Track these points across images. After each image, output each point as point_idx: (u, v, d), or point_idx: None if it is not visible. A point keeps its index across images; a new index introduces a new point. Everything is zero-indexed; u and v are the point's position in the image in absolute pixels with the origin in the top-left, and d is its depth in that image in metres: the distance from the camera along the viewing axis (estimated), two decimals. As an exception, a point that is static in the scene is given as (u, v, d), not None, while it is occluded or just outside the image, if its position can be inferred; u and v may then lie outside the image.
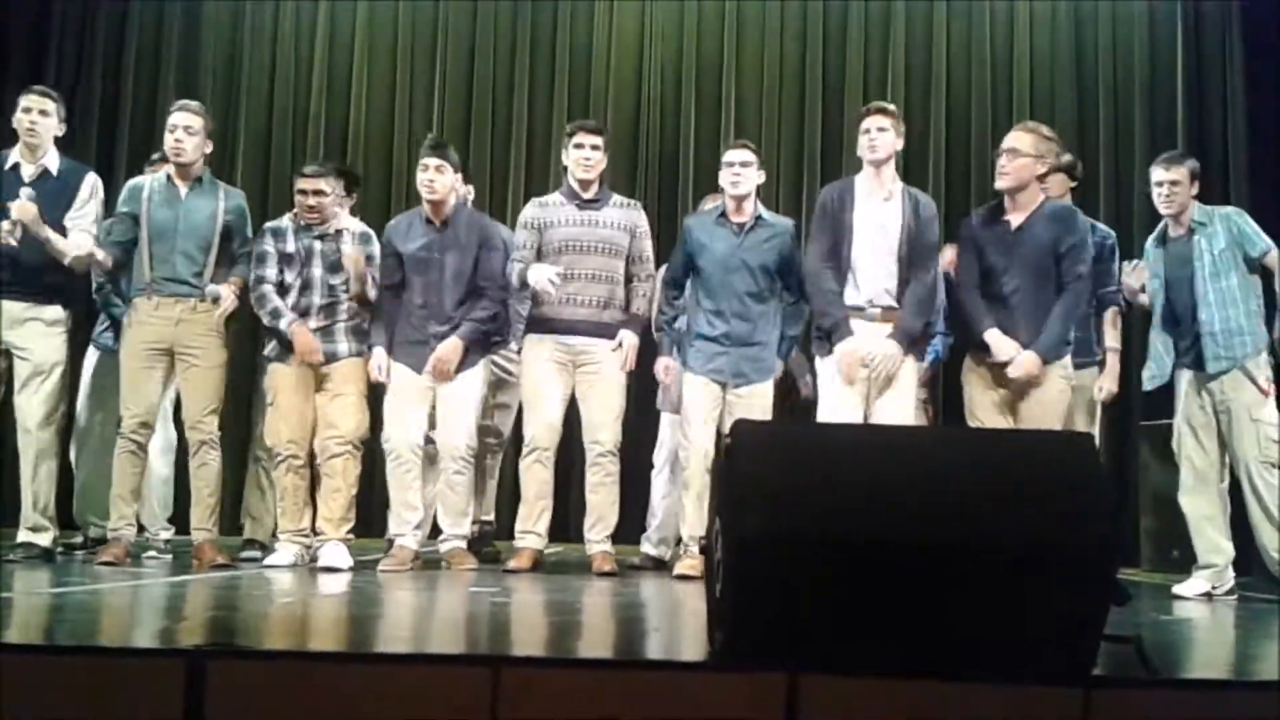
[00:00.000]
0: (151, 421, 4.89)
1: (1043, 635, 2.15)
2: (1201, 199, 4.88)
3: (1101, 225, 5.36)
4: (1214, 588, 4.65)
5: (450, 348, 4.90)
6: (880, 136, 4.66)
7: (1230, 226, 4.73)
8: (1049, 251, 4.54)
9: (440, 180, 4.96)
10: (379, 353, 4.95)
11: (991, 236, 4.62)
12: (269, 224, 5.11)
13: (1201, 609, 4.31)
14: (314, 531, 4.96)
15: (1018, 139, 4.61)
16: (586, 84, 7.89)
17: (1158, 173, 4.82)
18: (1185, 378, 4.78)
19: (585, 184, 5.06)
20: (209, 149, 5.03)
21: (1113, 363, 5.08)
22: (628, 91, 7.90)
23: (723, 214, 4.97)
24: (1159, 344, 4.86)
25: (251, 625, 2.98)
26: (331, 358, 4.94)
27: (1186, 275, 4.73)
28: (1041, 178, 4.63)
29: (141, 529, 5.16)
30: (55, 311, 4.91)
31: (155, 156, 5.58)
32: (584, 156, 5.04)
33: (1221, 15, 7.55)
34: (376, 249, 5.09)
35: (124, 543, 4.78)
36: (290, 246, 4.99)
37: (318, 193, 4.98)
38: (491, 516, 5.74)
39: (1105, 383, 5.06)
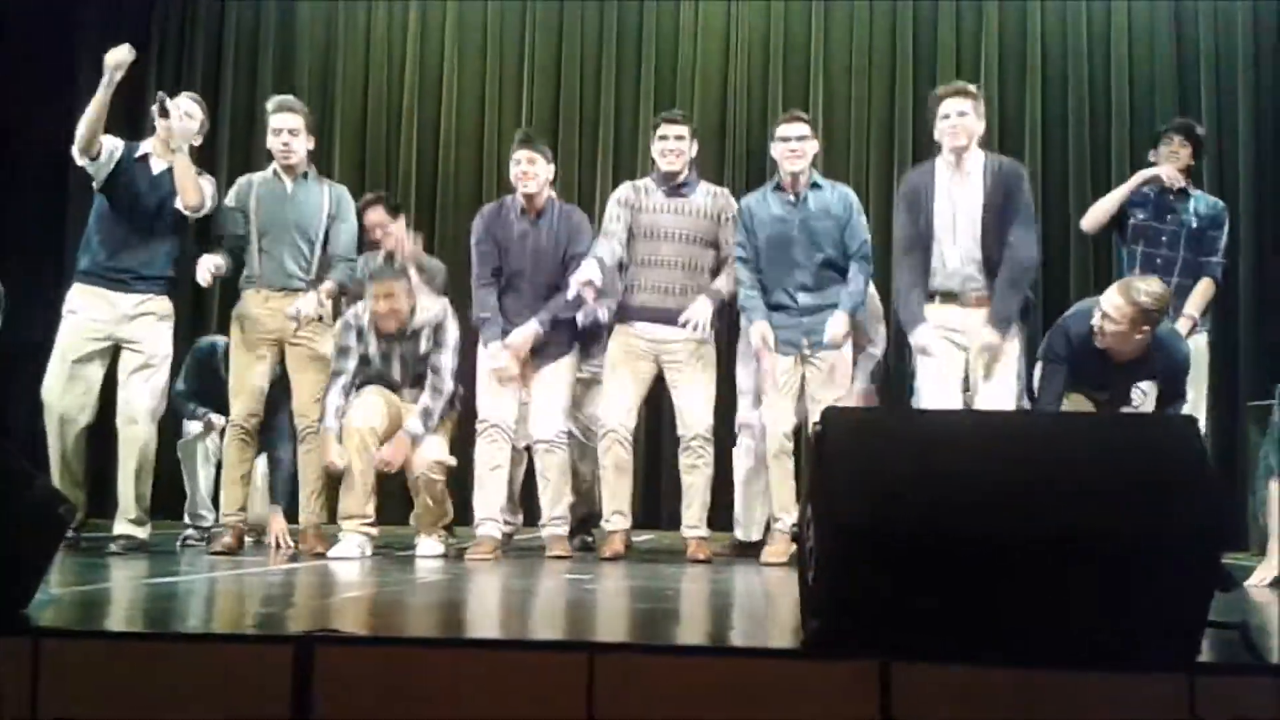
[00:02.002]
0: (260, 410, 5.00)
1: (1145, 623, 2.11)
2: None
3: (1211, 197, 5.37)
4: None
5: (523, 337, 4.90)
6: (960, 121, 4.62)
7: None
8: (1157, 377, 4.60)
9: (534, 171, 4.98)
10: (495, 347, 4.95)
11: (1091, 365, 4.56)
12: (350, 317, 5.01)
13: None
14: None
15: (1125, 317, 4.39)
16: (673, 77, 7.90)
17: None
18: None
19: (672, 175, 5.07)
20: (312, 145, 5.13)
21: (1185, 325, 4.99)
22: (714, 84, 7.89)
23: (777, 186, 4.98)
24: None
25: (353, 611, 3.05)
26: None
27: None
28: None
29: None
30: (165, 304, 5.01)
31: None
32: (667, 147, 5.05)
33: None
34: (453, 336, 4.99)
35: (237, 531, 4.89)
36: (372, 349, 4.97)
37: (388, 295, 4.85)
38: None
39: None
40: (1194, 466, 2.19)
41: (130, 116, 6.01)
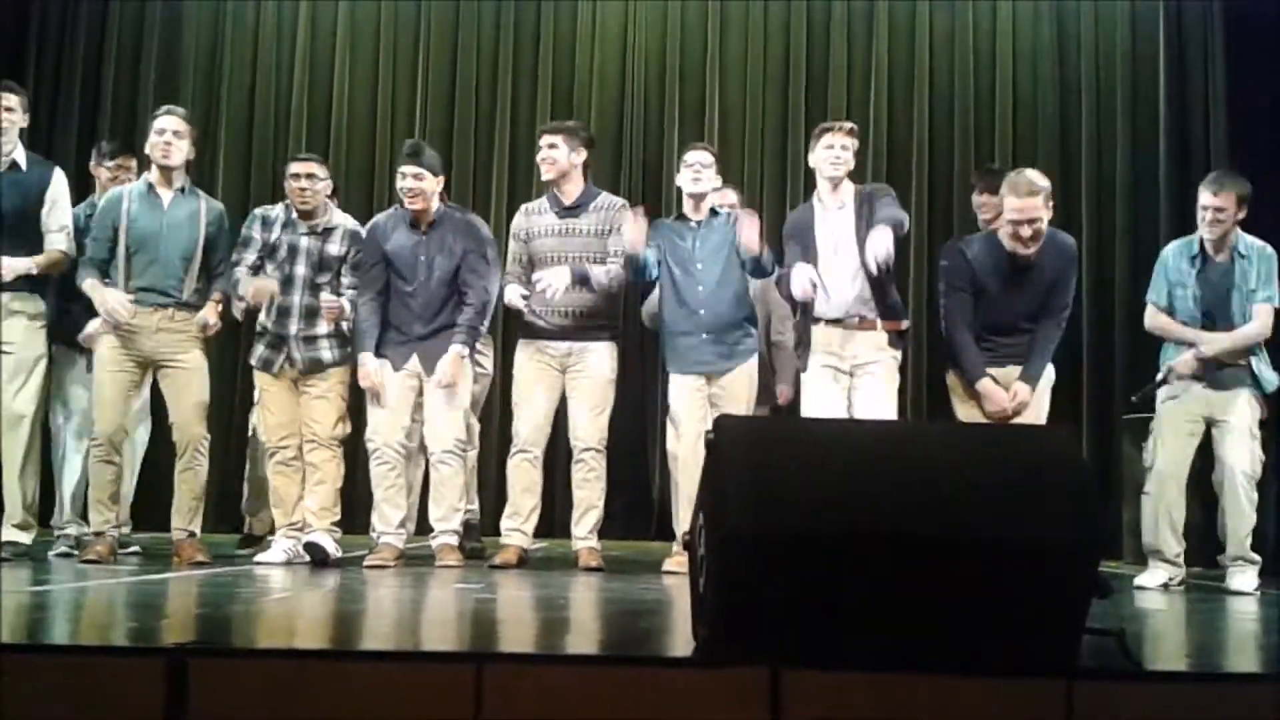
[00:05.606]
0: (124, 429, 4.87)
1: (1025, 628, 2.15)
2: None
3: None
4: (1170, 579, 4.75)
5: (453, 363, 4.88)
6: (844, 154, 4.74)
7: (1264, 263, 4.76)
8: (1053, 282, 4.67)
9: (421, 187, 4.92)
10: (368, 360, 4.92)
11: (996, 270, 4.67)
12: (260, 210, 5.10)
13: (1183, 601, 4.34)
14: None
15: (1037, 207, 4.54)
16: (570, 82, 7.88)
17: (1205, 196, 4.77)
18: (1192, 385, 4.80)
19: (552, 186, 5.08)
20: (192, 156, 4.99)
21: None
22: (611, 89, 7.89)
23: (680, 215, 5.08)
24: (1172, 349, 4.90)
25: (233, 623, 2.96)
26: (316, 365, 4.92)
27: (1221, 297, 4.77)
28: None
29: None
30: (36, 304, 4.88)
31: (106, 148, 5.49)
32: (540, 158, 5.09)
33: (1203, 15, 7.56)
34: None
35: (108, 541, 4.75)
36: (275, 236, 4.96)
37: (310, 176, 4.95)
38: (475, 508, 5.72)
39: None
40: (1074, 475, 2.24)
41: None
